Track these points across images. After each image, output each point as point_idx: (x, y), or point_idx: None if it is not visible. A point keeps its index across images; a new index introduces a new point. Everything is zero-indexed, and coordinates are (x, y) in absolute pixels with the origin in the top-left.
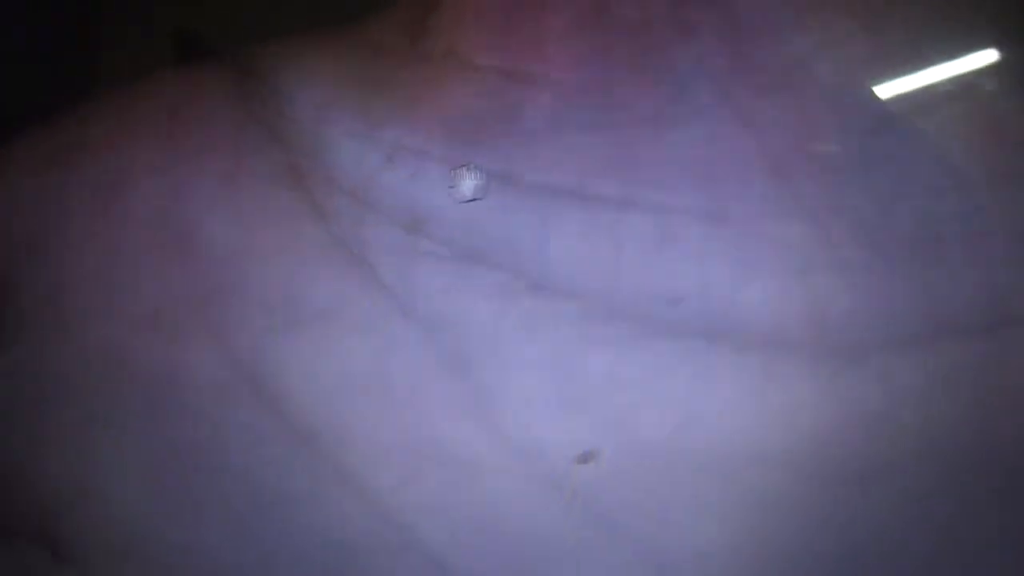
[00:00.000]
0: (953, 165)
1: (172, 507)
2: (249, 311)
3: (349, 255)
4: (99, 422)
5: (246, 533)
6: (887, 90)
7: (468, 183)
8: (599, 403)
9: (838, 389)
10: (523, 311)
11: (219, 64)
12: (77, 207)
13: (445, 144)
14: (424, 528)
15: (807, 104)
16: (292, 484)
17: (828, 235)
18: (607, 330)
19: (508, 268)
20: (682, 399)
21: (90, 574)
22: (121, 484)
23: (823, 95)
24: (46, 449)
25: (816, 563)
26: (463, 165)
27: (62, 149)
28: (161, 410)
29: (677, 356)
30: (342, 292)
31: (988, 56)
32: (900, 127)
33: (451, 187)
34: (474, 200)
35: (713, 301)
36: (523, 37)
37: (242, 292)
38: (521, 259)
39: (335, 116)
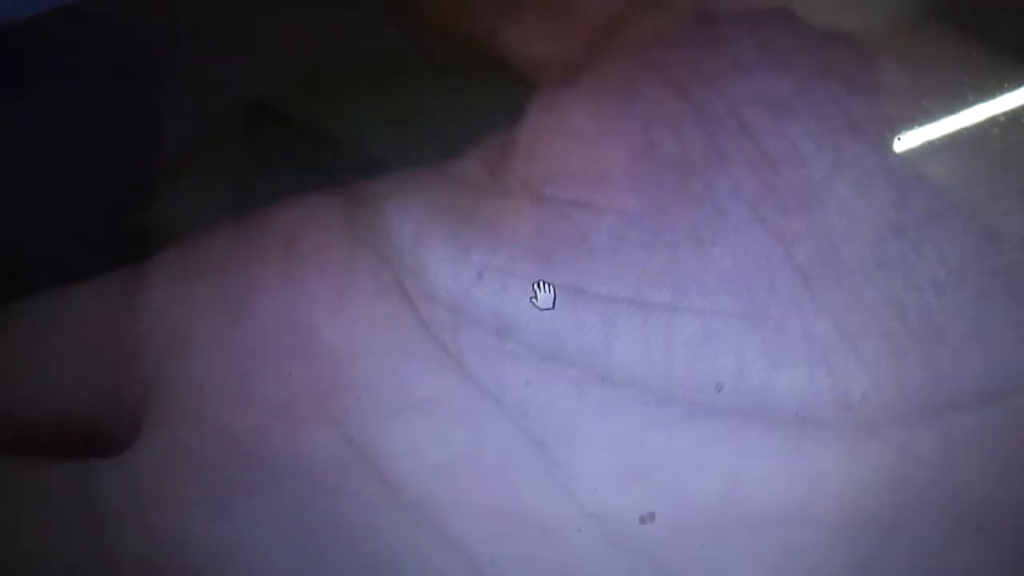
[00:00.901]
0: (953, 264)
1: (299, 565)
2: (363, 402)
3: (447, 356)
4: (238, 494)
5: None
6: (896, 201)
7: (544, 295)
8: (656, 473)
9: (859, 457)
10: (592, 399)
11: (331, 194)
12: (211, 316)
13: (524, 263)
14: None
15: (826, 218)
16: (401, 545)
17: (846, 329)
18: (662, 413)
19: (579, 364)
20: (726, 468)
21: None
22: (258, 547)
23: (839, 209)
24: (190, 519)
25: None
26: (540, 280)
27: (194, 266)
28: (290, 485)
29: (720, 433)
30: (441, 386)
31: (987, 176)
32: (908, 233)
33: (531, 299)
34: (550, 309)
35: (750, 387)
36: (585, 172)
37: (356, 387)
38: (590, 356)
39: (432, 242)
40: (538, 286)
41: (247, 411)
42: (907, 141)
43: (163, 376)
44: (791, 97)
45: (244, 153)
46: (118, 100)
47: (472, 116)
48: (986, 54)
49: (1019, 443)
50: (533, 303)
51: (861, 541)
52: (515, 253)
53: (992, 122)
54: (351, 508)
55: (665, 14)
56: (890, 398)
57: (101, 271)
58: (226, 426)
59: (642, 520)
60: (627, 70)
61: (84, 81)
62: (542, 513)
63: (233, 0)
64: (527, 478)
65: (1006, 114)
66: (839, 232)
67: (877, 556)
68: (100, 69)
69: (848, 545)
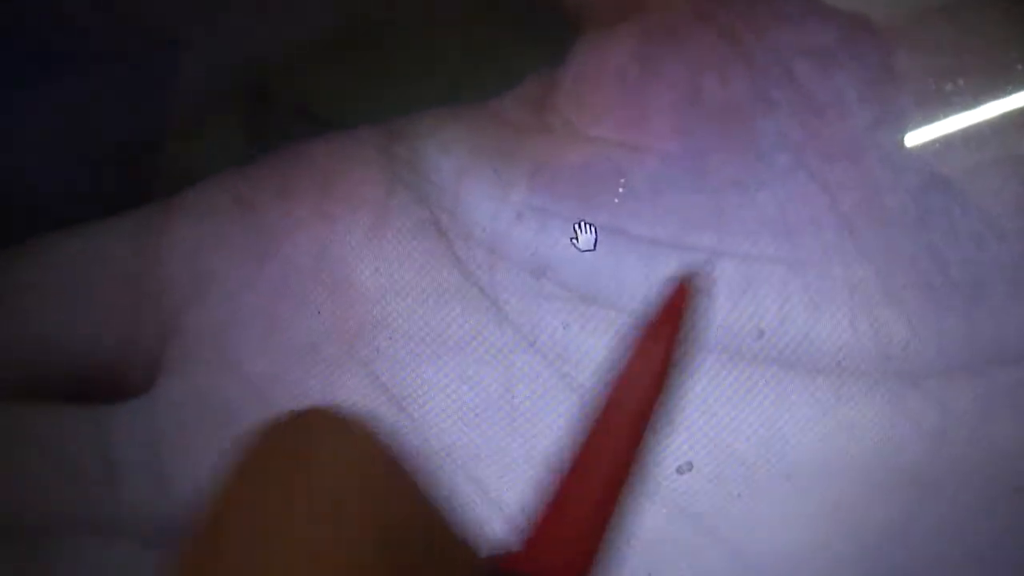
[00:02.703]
0: (995, 218)
1: None
2: (394, 344)
3: (482, 297)
4: None
5: None
6: (938, 154)
7: (585, 236)
8: (695, 422)
9: (899, 411)
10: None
11: (368, 131)
12: (240, 255)
13: (565, 203)
14: None
15: (869, 168)
16: (431, 492)
17: (889, 279)
18: (701, 358)
19: (617, 307)
20: (766, 418)
21: None
22: None
23: (883, 160)
24: (209, 467)
25: (882, 561)
26: (581, 220)
27: (223, 204)
28: None
29: (760, 381)
30: (475, 327)
31: None
32: (950, 186)
33: (571, 239)
34: (590, 250)
35: (790, 334)
36: (630, 113)
37: (388, 328)
38: (628, 299)
39: (471, 180)
40: (579, 226)
41: (273, 353)
42: (950, 94)
43: (185, 318)
44: (837, 48)
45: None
46: (122, 72)
47: (515, 56)
48: None
49: None
50: (573, 243)
51: (898, 497)
52: (556, 193)
53: None
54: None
55: None
56: (931, 351)
57: (124, 210)
58: (249, 369)
59: (680, 470)
60: (676, 17)
61: (93, 55)
62: None
63: None
64: (562, 423)
65: None
66: (882, 182)
67: (913, 513)
68: (106, 45)
69: (884, 500)
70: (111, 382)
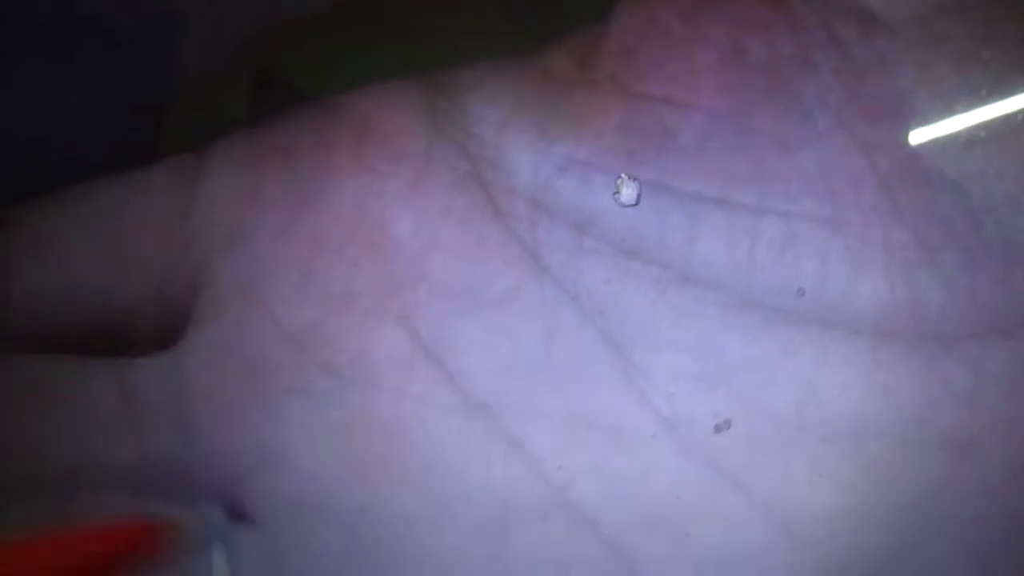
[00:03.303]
0: None
1: (355, 470)
2: (432, 298)
3: (523, 251)
4: (291, 393)
5: (422, 493)
6: (976, 117)
7: (628, 191)
8: (734, 380)
9: (933, 372)
10: (671, 300)
11: (411, 82)
12: (276, 204)
13: (609, 158)
14: (579, 489)
15: (908, 130)
16: (466, 450)
17: (926, 241)
18: (742, 317)
19: (660, 263)
20: (803, 378)
21: (269, 532)
22: (307, 451)
23: (921, 122)
24: (239, 419)
25: (916, 523)
26: (623, 175)
27: (260, 153)
28: (350, 383)
29: (799, 340)
30: (516, 282)
31: None
32: (987, 148)
33: (614, 194)
34: (632, 205)
35: (831, 294)
36: (676, 70)
37: (426, 282)
38: (671, 255)
39: (515, 133)
40: (622, 181)
41: (307, 306)
42: (988, 60)
43: (217, 268)
44: (880, 10)
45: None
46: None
47: (558, 13)
48: None
49: None
50: (616, 198)
51: (932, 458)
52: (599, 147)
53: None
54: (414, 411)
55: None
56: (965, 314)
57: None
58: (282, 321)
59: (717, 428)
60: None
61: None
62: (615, 418)
63: None
64: (601, 381)
65: None
66: (921, 143)
67: (947, 475)
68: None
69: (919, 462)
70: (139, 335)
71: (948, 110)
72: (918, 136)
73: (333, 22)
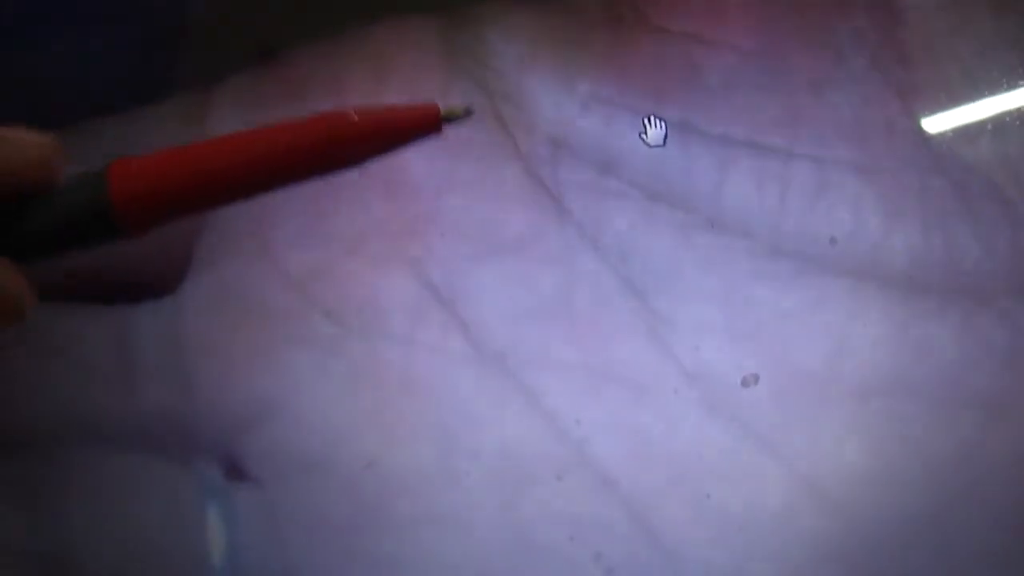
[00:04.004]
0: None
1: (360, 424)
2: (447, 241)
3: (545, 192)
4: (294, 343)
5: (432, 448)
6: (1014, 63)
7: (654, 132)
8: (762, 332)
9: (968, 327)
10: (698, 247)
11: (428, 16)
12: None
13: (634, 96)
14: (597, 444)
15: (946, 75)
16: (478, 402)
17: (964, 190)
18: (772, 266)
19: (687, 208)
20: (835, 330)
21: (268, 491)
22: (310, 403)
23: (959, 66)
24: (238, 369)
25: (946, 486)
26: (650, 115)
27: (269, 91)
28: (356, 332)
29: (831, 291)
30: (536, 225)
31: None
32: None
33: (640, 134)
34: (659, 147)
35: (864, 243)
36: (705, 6)
37: (441, 222)
38: (698, 200)
39: (536, 69)
40: (648, 121)
41: (314, 248)
42: None
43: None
44: None
45: None
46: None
47: None
48: None
49: None
50: (642, 139)
51: (965, 418)
52: (625, 85)
53: None
54: (425, 360)
55: None
56: (1003, 268)
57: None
58: (286, 266)
59: (744, 383)
60: None
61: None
62: (636, 371)
63: None
64: (623, 330)
65: None
66: (960, 90)
67: (980, 435)
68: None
69: (951, 422)
70: (137, 282)
71: (985, 56)
72: (955, 81)
73: None
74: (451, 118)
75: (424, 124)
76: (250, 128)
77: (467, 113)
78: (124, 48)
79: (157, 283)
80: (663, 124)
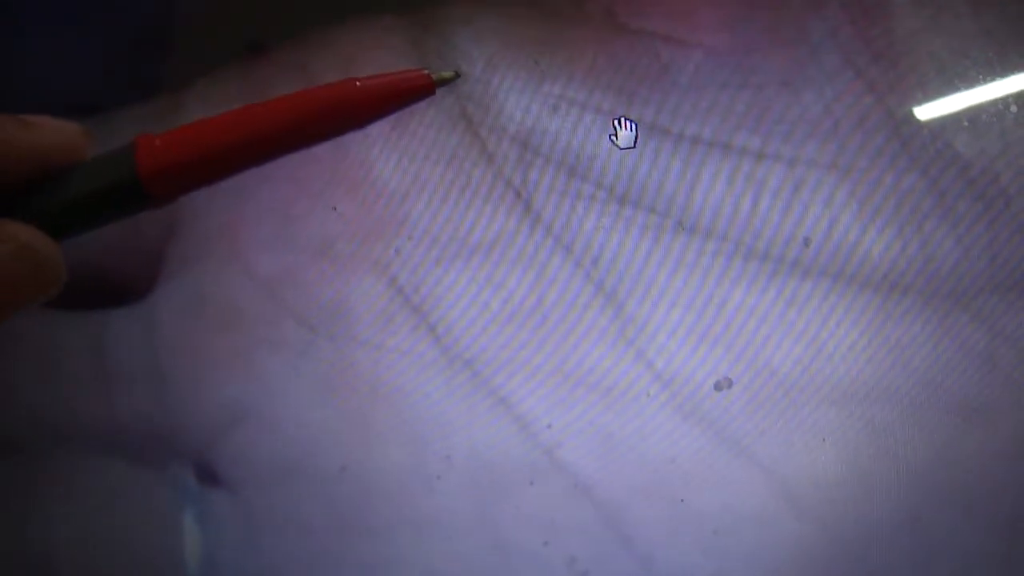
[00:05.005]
0: None
1: (330, 430)
2: (415, 244)
3: (513, 195)
4: (265, 347)
5: (400, 455)
6: (991, 59)
7: (624, 133)
8: (735, 335)
9: (945, 329)
10: (669, 249)
11: (396, 17)
12: None
13: (604, 97)
14: (569, 450)
15: (922, 70)
16: (449, 406)
17: (939, 189)
18: (744, 268)
19: (658, 210)
20: (809, 334)
21: (242, 496)
22: (283, 408)
23: (934, 63)
24: (211, 374)
25: (923, 491)
26: (620, 117)
27: (237, 93)
28: (327, 336)
29: (805, 293)
30: (505, 228)
31: None
32: (1005, 93)
33: (610, 136)
34: (629, 148)
35: (837, 244)
36: (675, 6)
37: (409, 227)
38: (670, 202)
39: (505, 70)
40: (618, 122)
41: (283, 252)
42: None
43: (190, 212)
44: None
45: None
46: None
47: None
48: None
49: None
50: (612, 140)
51: (944, 423)
52: (594, 85)
53: None
54: (395, 364)
55: None
56: (981, 267)
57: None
58: (257, 269)
59: (718, 387)
60: None
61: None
62: (608, 375)
63: None
64: (594, 334)
65: None
66: (933, 87)
67: (960, 441)
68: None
69: (930, 427)
70: (111, 286)
71: (963, 52)
72: (929, 77)
73: None
74: (442, 81)
75: (419, 87)
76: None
77: (456, 76)
78: (102, 48)
79: (129, 287)
80: (633, 126)
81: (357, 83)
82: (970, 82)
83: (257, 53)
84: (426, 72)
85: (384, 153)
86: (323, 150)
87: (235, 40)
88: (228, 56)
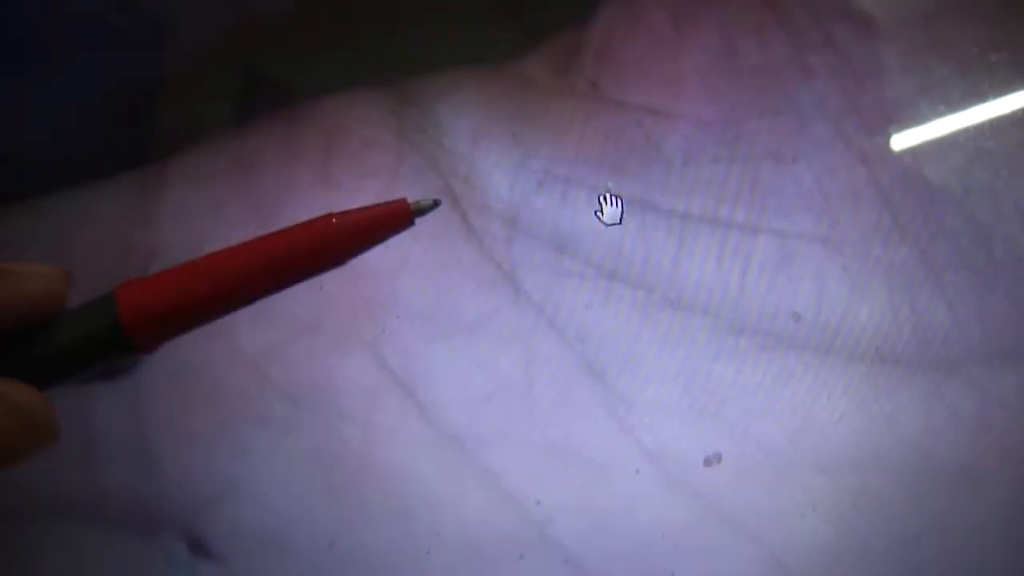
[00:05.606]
0: None
1: (319, 505)
2: (402, 323)
3: (499, 272)
4: (252, 422)
5: (389, 531)
6: (982, 126)
7: (610, 210)
8: (725, 409)
9: (936, 398)
10: (658, 325)
11: (378, 91)
12: (238, 220)
13: (590, 172)
14: (559, 526)
15: (911, 140)
16: (437, 484)
17: (930, 259)
18: (734, 343)
19: (645, 286)
20: (799, 406)
21: (231, 567)
22: (270, 482)
23: (926, 132)
24: (197, 447)
25: (914, 561)
26: (606, 192)
27: (222, 165)
28: (314, 412)
29: (795, 367)
30: (492, 306)
31: None
32: (995, 159)
33: (596, 212)
34: (616, 224)
35: (828, 318)
36: (661, 77)
37: (395, 305)
38: (657, 278)
39: (488, 145)
40: (604, 198)
41: (269, 329)
42: (995, 65)
43: None
44: (877, 12)
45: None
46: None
47: (537, 12)
48: None
49: None
50: (598, 217)
51: (937, 491)
52: (580, 161)
53: None
54: (383, 440)
55: None
56: (972, 336)
57: (119, 171)
58: (244, 346)
59: (707, 462)
60: None
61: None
62: (597, 451)
63: None
64: (583, 411)
65: None
66: (925, 156)
67: (953, 507)
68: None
69: (923, 495)
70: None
71: (954, 119)
72: (921, 147)
73: (312, 14)
74: (421, 212)
75: (397, 219)
76: (241, 242)
77: (435, 204)
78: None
79: (115, 362)
80: (619, 202)
81: (334, 219)
82: (960, 149)
83: (261, 87)
84: (405, 203)
85: None
86: None
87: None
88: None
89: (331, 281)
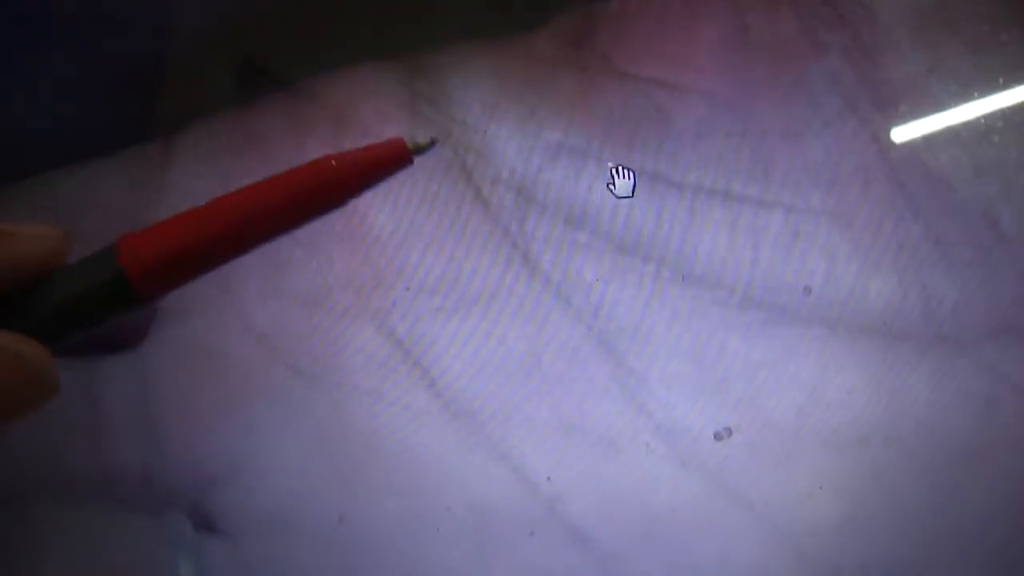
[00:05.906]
0: None
1: (328, 480)
2: (412, 296)
3: (511, 245)
4: (260, 398)
5: (399, 506)
6: (992, 103)
7: (622, 182)
8: (734, 385)
9: (946, 376)
10: (669, 299)
11: (389, 65)
12: None
13: (603, 145)
14: (569, 501)
15: (922, 116)
16: (446, 459)
17: (940, 236)
18: (744, 317)
19: (657, 260)
20: (808, 381)
21: (239, 545)
22: (279, 458)
23: (936, 109)
24: (206, 424)
25: (924, 538)
26: (618, 166)
27: (232, 141)
28: (323, 386)
29: (805, 342)
30: (502, 279)
31: None
32: (1005, 137)
33: (608, 185)
34: (628, 197)
35: (837, 292)
36: (674, 50)
37: (405, 278)
38: (669, 252)
39: (500, 117)
40: (616, 171)
41: (278, 302)
42: (1005, 43)
43: None
44: None
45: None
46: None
47: None
48: None
49: None
50: (610, 189)
51: (944, 468)
52: (593, 134)
53: None
54: (392, 416)
55: None
56: (981, 314)
57: (126, 146)
58: (252, 319)
59: (717, 436)
60: None
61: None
62: (608, 426)
63: None
64: (593, 386)
65: None
66: (935, 133)
67: (960, 485)
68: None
69: (930, 472)
70: (105, 335)
71: (964, 96)
72: (932, 124)
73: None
74: (419, 150)
75: (396, 158)
76: (241, 186)
77: (433, 143)
78: (91, 88)
79: (123, 337)
80: (631, 174)
81: (333, 162)
82: (972, 127)
83: (261, 75)
84: (402, 141)
85: (379, 203)
86: None
87: (230, 66)
88: (220, 93)
89: (341, 252)
